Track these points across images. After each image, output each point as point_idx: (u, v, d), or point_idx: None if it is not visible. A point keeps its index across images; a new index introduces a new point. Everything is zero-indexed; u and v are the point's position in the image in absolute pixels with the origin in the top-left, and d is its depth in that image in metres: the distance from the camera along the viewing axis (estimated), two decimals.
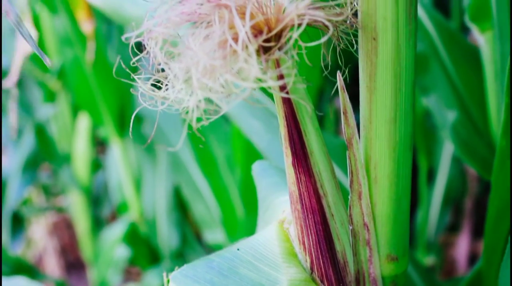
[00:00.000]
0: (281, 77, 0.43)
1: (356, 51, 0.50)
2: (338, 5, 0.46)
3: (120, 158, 1.62)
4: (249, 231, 1.43)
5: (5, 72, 1.57)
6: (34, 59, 1.66)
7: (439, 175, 1.77)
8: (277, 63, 0.42)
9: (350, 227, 0.53)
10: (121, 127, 1.53)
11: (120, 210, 1.79)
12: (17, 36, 0.58)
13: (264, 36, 0.41)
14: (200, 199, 1.67)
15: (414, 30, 0.47)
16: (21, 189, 1.87)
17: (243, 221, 1.47)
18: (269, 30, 0.42)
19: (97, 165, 1.94)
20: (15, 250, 1.97)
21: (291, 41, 0.41)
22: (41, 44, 1.64)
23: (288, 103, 0.46)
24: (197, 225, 1.72)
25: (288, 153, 0.48)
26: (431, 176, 1.76)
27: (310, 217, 0.50)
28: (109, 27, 1.60)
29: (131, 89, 0.51)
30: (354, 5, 0.46)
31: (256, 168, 0.68)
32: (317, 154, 0.48)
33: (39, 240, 2.51)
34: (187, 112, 0.41)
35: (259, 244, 0.54)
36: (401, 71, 0.48)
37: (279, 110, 0.47)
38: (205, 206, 1.68)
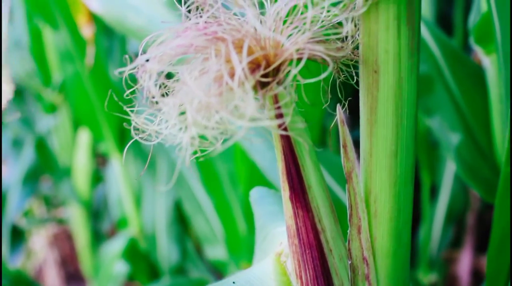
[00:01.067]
0: (279, 114, 0.42)
1: (357, 83, 0.48)
2: (339, 38, 0.45)
3: (120, 173, 1.61)
4: (251, 248, 1.41)
5: None
6: (35, 73, 1.66)
7: (442, 191, 1.76)
8: (275, 99, 0.41)
9: (349, 262, 0.51)
10: (121, 143, 1.52)
11: (120, 225, 1.78)
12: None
13: (261, 71, 0.40)
14: (201, 214, 1.66)
15: (416, 63, 0.46)
16: (21, 201, 1.87)
17: (245, 237, 1.46)
18: (267, 64, 0.41)
19: (97, 178, 1.93)
20: (15, 263, 1.96)
21: (290, 77, 0.40)
22: (43, 59, 1.63)
23: (285, 138, 0.44)
24: (198, 240, 1.71)
25: (286, 187, 0.47)
26: (434, 192, 1.75)
27: (307, 252, 0.49)
28: (110, 41, 1.60)
29: (130, 111, 0.49)
30: (356, 37, 0.45)
31: (254, 194, 0.67)
32: (315, 188, 0.47)
33: (39, 251, 2.50)
34: (180, 148, 0.40)
35: (255, 277, 0.53)
36: (402, 104, 0.46)
37: (276, 144, 0.45)
38: (206, 221, 1.67)
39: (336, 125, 0.48)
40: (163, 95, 0.42)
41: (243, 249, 1.49)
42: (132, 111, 0.45)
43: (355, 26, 0.45)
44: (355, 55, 0.47)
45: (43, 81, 1.67)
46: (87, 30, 1.43)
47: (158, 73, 0.41)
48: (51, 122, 1.80)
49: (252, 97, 0.37)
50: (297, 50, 0.41)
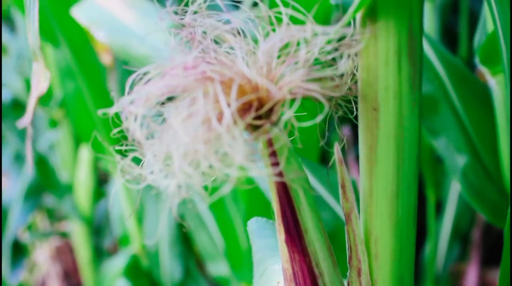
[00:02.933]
0: (272, 154, 0.40)
1: (356, 118, 0.46)
2: (334, 69, 0.43)
3: (121, 191, 1.59)
4: (252, 265, 1.39)
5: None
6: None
7: (448, 206, 1.73)
8: (269, 142, 0.39)
9: None
10: (122, 158, 1.49)
11: (122, 242, 1.76)
12: (33, 75, 0.59)
13: (252, 114, 0.38)
14: (204, 230, 1.64)
15: (418, 99, 0.44)
16: (23, 217, 1.85)
17: (247, 253, 1.44)
18: (260, 105, 0.39)
19: (99, 194, 1.91)
20: (16, 278, 1.94)
21: (283, 120, 0.37)
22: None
23: (281, 182, 0.42)
24: (201, 257, 1.68)
25: (281, 230, 0.45)
26: (439, 208, 1.72)
27: None
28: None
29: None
30: (354, 73, 0.43)
31: (252, 225, 0.65)
32: (312, 232, 0.44)
33: (42, 264, 2.48)
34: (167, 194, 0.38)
35: None
36: (404, 143, 0.44)
37: (271, 186, 0.43)
38: (209, 238, 1.64)
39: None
40: (148, 137, 0.40)
41: (245, 265, 1.47)
42: (119, 151, 0.43)
43: (353, 60, 0.43)
44: (353, 90, 0.44)
45: (44, 96, 1.65)
46: (106, 58, 1.43)
47: (143, 115, 0.39)
48: (52, 138, 1.79)
49: (242, 143, 0.35)
50: (291, 89, 0.39)
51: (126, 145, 0.42)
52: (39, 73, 0.64)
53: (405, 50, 0.42)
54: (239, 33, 0.41)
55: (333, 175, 1.05)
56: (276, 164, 0.39)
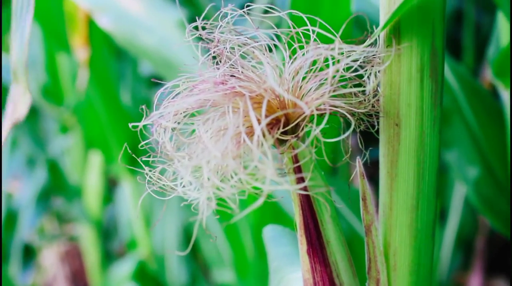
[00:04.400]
0: (298, 168, 0.41)
1: (377, 132, 0.47)
2: (358, 85, 0.44)
3: (130, 196, 1.60)
4: (259, 273, 1.39)
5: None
6: (46, 94, 1.66)
7: (451, 214, 1.73)
8: (295, 158, 0.40)
9: None
10: (132, 166, 1.50)
11: (129, 246, 1.77)
12: (9, 99, 0.50)
13: (280, 129, 0.39)
14: (209, 238, 1.64)
15: (439, 116, 0.45)
16: (33, 220, 1.86)
17: (254, 262, 1.44)
18: (286, 120, 0.40)
19: (108, 198, 1.93)
20: (26, 280, 1.95)
21: (311, 137, 0.38)
22: (57, 79, 1.63)
23: (304, 194, 0.43)
24: (206, 264, 1.69)
25: (303, 241, 0.46)
26: (443, 216, 1.72)
27: None
28: (121, 63, 1.59)
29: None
30: (377, 90, 0.44)
31: (268, 233, 0.65)
32: (334, 243, 0.45)
33: (50, 267, 2.49)
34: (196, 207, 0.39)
35: None
36: (424, 159, 0.45)
37: (294, 198, 0.44)
38: (214, 245, 1.65)
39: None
40: (178, 148, 0.41)
41: (251, 273, 1.47)
42: (145, 164, 0.44)
43: (376, 77, 0.44)
44: (376, 106, 0.45)
45: (56, 100, 1.67)
46: (81, 53, 1.38)
47: (172, 128, 0.40)
48: (63, 143, 1.80)
49: (272, 159, 0.36)
50: (318, 105, 0.40)
51: (155, 157, 0.43)
52: (18, 98, 0.55)
53: (428, 67, 0.43)
54: (266, 49, 0.42)
55: (345, 183, 1.06)
56: (301, 178, 0.40)
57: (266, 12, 0.45)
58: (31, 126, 1.81)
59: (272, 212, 1.23)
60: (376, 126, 0.47)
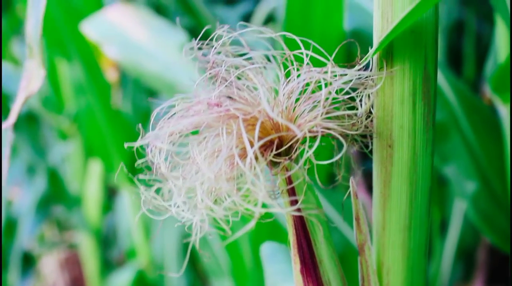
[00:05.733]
0: (291, 190, 0.41)
1: (371, 152, 0.48)
2: (351, 107, 0.44)
3: (130, 205, 1.60)
4: (258, 283, 1.39)
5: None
6: (46, 102, 1.67)
7: (452, 226, 1.73)
8: (288, 179, 0.40)
9: None
10: (132, 175, 1.50)
11: (129, 255, 1.77)
12: (24, 72, 0.52)
13: (274, 151, 0.39)
14: (208, 247, 1.65)
15: (431, 138, 0.45)
16: (33, 228, 1.87)
17: (252, 272, 1.44)
18: (280, 142, 0.41)
19: (108, 207, 1.93)
20: None
21: (303, 158, 0.39)
22: (57, 87, 1.64)
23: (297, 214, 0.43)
24: (205, 273, 1.69)
25: (297, 260, 0.46)
26: (444, 227, 1.72)
27: None
28: (122, 73, 1.60)
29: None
30: (370, 111, 0.45)
31: (265, 250, 0.66)
32: (326, 262, 0.46)
33: (49, 274, 2.49)
34: (190, 227, 0.40)
35: None
36: (417, 179, 0.45)
37: (288, 218, 0.45)
38: (213, 255, 1.65)
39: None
40: (173, 168, 0.42)
41: (249, 283, 1.47)
42: (140, 182, 0.44)
43: (369, 99, 0.44)
44: (369, 127, 0.46)
45: (56, 109, 1.68)
46: (112, 74, 1.43)
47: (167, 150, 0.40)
48: (63, 151, 1.81)
49: (264, 181, 0.36)
50: (311, 127, 0.41)
51: (150, 175, 0.44)
52: (32, 71, 0.56)
53: (420, 90, 0.44)
54: (261, 72, 0.43)
55: (341, 195, 1.07)
56: (294, 200, 0.41)
57: (261, 32, 0.46)
58: (31, 134, 1.82)
59: (270, 223, 1.23)
60: (370, 147, 0.47)
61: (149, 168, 0.44)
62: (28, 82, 0.56)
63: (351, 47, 0.77)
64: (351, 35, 0.90)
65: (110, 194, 1.93)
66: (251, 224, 0.35)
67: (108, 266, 1.96)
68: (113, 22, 1.17)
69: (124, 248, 1.85)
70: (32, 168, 1.88)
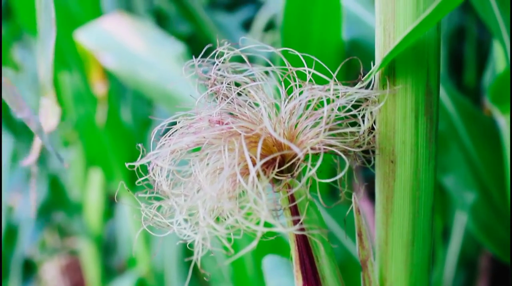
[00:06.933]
0: (294, 207, 0.41)
1: (373, 167, 0.47)
2: (353, 124, 0.44)
3: (130, 212, 1.60)
4: None
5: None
6: None
7: (454, 234, 1.73)
8: (291, 197, 0.40)
9: None
10: (132, 183, 1.50)
11: (129, 263, 1.77)
12: (41, 110, 0.54)
13: (276, 169, 0.39)
14: (209, 256, 1.64)
15: (434, 153, 0.45)
16: (34, 235, 1.86)
17: (254, 279, 1.44)
18: (282, 159, 0.40)
19: (109, 213, 1.93)
20: None
21: (306, 177, 0.39)
22: (58, 95, 1.64)
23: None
24: (206, 280, 1.69)
25: (299, 277, 0.46)
26: (446, 235, 1.72)
27: None
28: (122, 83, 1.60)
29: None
30: (373, 127, 0.44)
31: (267, 264, 0.66)
32: (329, 279, 0.46)
33: (50, 280, 2.49)
34: (191, 245, 0.39)
35: None
36: (419, 195, 0.45)
37: (290, 236, 0.44)
38: (214, 261, 1.65)
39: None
40: (175, 185, 0.42)
41: None
42: (141, 200, 0.44)
43: (371, 115, 0.44)
44: (372, 143, 0.46)
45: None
46: (100, 88, 1.40)
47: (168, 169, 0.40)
48: (65, 158, 1.80)
49: (266, 200, 0.36)
50: (314, 144, 0.40)
51: (150, 193, 0.44)
52: (48, 109, 0.59)
53: (423, 106, 0.44)
54: (262, 89, 0.43)
55: (343, 209, 1.06)
56: (297, 219, 0.41)
57: (262, 47, 0.46)
58: (31, 141, 1.82)
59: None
60: (372, 162, 0.47)
61: (150, 186, 0.44)
62: (46, 119, 0.58)
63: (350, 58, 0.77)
64: (349, 45, 0.90)
65: (111, 201, 1.93)
66: (254, 244, 0.35)
67: (109, 272, 1.96)
68: (109, 31, 1.17)
69: (125, 255, 1.84)
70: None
